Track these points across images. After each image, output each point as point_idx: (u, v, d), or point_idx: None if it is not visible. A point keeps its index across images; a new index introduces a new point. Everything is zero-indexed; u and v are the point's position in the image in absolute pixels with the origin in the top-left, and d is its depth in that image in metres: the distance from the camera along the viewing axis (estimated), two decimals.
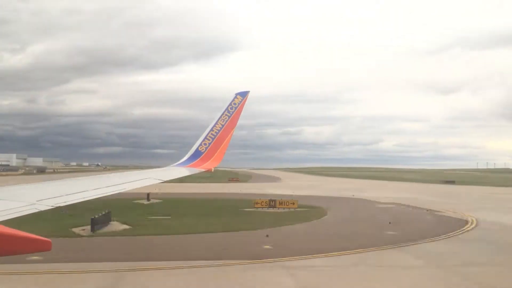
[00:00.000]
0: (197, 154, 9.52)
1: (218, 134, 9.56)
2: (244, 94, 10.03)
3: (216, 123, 9.65)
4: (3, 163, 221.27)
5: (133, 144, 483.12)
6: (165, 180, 7.92)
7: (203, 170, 9.33)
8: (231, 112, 9.74)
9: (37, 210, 5.36)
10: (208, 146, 9.54)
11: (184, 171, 8.85)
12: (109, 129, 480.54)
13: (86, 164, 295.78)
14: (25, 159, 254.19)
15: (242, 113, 9.77)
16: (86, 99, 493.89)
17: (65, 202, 5.97)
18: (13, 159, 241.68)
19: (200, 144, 9.60)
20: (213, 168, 9.47)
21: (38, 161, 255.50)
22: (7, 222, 5.19)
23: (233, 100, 9.87)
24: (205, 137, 9.63)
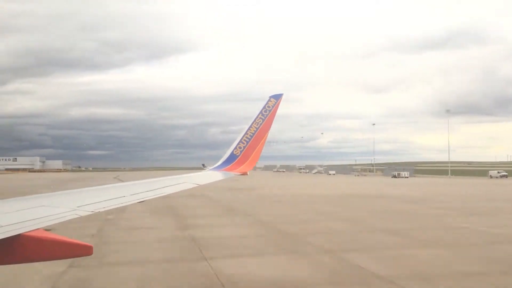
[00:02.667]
0: (232, 158, 9.41)
1: (253, 138, 9.49)
2: (278, 97, 9.87)
3: (251, 126, 9.56)
4: (29, 166, 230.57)
5: (66, 146, 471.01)
6: (201, 184, 7.80)
7: (238, 173, 9.22)
8: (265, 115, 9.61)
9: (77, 216, 5.35)
10: (243, 149, 9.47)
11: (219, 175, 8.75)
12: (42, 131, 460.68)
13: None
14: (43, 162, 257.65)
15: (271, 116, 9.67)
16: (20, 101, 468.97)
17: (104, 207, 5.99)
18: (37, 162, 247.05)
19: (235, 148, 9.50)
20: (248, 172, 9.34)
21: (57, 164, 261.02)
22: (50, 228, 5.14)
23: (267, 103, 9.73)
24: (240, 141, 9.55)
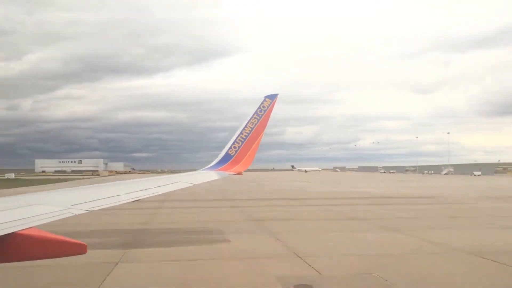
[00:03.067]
0: (226, 158, 9.60)
1: (248, 137, 9.63)
2: (273, 97, 9.99)
3: (246, 126, 9.71)
4: (93, 168, 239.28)
5: (112, 149, 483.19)
6: (196, 183, 8.02)
7: (233, 173, 9.40)
8: (260, 115, 9.75)
9: (72, 215, 5.57)
10: (238, 149, 9.61)
11: (213, 175, 8.92)
12: (90, 134, 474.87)
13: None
14: (106, 164, 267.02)
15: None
16: (71, 105, 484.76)
17: (98, 206, 6.11)
18: (101, 165, 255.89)
19: (230, 148, 9.67)
20: (243, 172, 9.52)
21: (119, 166, 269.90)
22: (44, 226, 5.50)
23: (262, 103, 9.87)
24: (235, 141, 9.70)
